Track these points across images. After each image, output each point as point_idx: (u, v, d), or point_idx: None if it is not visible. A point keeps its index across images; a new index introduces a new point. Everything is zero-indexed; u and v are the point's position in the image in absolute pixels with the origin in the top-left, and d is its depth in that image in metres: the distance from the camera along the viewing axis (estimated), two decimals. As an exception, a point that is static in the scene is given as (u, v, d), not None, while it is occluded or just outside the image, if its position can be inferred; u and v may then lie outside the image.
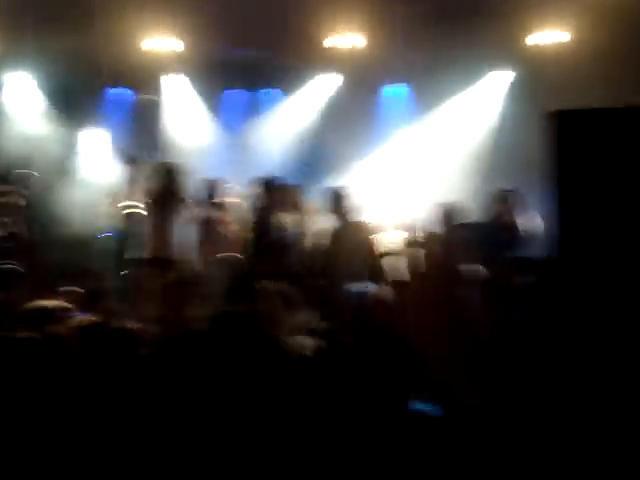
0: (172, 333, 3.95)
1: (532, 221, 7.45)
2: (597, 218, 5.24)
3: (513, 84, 9.66)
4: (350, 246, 7.22)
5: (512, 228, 7.50)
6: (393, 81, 10.18)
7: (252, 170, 8.90)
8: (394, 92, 10.20)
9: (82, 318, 4.63)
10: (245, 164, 9.30)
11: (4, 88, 10.24)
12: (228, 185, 8.20)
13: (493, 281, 7.16)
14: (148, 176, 7.34)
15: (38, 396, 3.76)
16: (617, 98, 5.68)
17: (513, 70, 9.80)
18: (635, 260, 5.10)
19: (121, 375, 3.71)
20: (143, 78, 10.24)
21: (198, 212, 7.48)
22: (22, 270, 7.70)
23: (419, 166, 9.56)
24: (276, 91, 10.43)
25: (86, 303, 7.26)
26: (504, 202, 7.54)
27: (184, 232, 7.15)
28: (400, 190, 9.45)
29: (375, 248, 7.46)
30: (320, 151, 10.04)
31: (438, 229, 7.50)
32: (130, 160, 7.80)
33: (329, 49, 9.73)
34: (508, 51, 9.66)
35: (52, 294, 5.52)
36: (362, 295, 6.28)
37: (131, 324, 4.07)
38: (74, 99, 10.06)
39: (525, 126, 8.83)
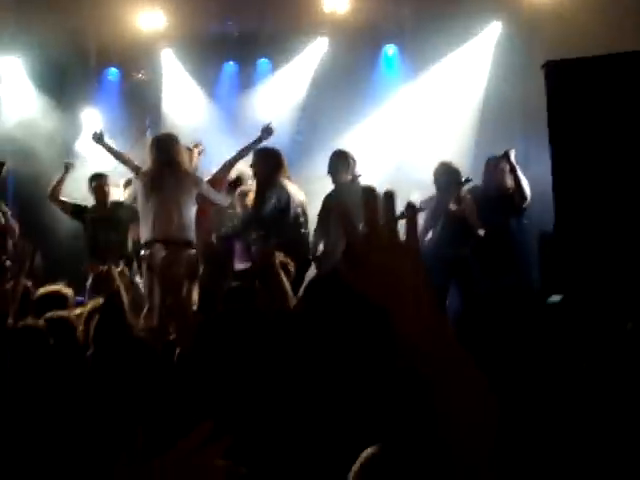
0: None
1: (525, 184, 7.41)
2: (594, 169, 5.24)
3: (506, 37, 9.53)
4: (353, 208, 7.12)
5: (510, 195, 7.47)
6: (385, 42, 10.08)
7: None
8: (387, 53, 10.10)
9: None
10: (240, 137, 9.22)
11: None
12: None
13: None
14: (145, 149, 7.14)
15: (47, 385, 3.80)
16: (612, 46, 5.64)
17: (506, 23, 9.66)
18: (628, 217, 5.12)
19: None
20: (134, 56, 10.20)
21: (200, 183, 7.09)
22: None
23: (416, 126, 9.49)
24: (268, 61, 10.34)
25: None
26: (497, 168, 7.50)
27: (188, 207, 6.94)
28: (399, 151, 9.41)
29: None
30: (315, 119, 9.99)
31: (438, 189, 7.47)
32: (96, 137, 7.63)
33: (319, 14, 9.66)
34: (500, 3, 9.56)
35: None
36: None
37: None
38: (65, 81, 10.03)
39: (521, 78, 8.79)
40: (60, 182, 8.11)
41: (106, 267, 4.59)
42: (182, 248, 6.66)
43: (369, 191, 5.88)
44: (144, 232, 6.83)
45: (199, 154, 7.98)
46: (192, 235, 6.85)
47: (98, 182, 8.01)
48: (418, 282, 1.44)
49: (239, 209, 7.62)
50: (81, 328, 4.19)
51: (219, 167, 7.88)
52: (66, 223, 8.64)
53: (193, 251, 6.75)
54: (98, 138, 7.61)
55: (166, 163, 6.86)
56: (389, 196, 1.46)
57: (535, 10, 9.22)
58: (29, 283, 5.53)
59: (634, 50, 5.28)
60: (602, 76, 5.19)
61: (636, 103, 5.11)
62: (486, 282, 7.02)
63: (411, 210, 1.53)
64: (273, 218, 6.93)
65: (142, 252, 6.91)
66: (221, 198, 7.43)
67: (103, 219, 7.92)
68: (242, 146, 7.73)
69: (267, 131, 7.55)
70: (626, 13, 8.18)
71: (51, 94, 10.14)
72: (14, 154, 9.41)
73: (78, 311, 4.54)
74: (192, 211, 6.94)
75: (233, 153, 7.81)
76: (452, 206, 7.20)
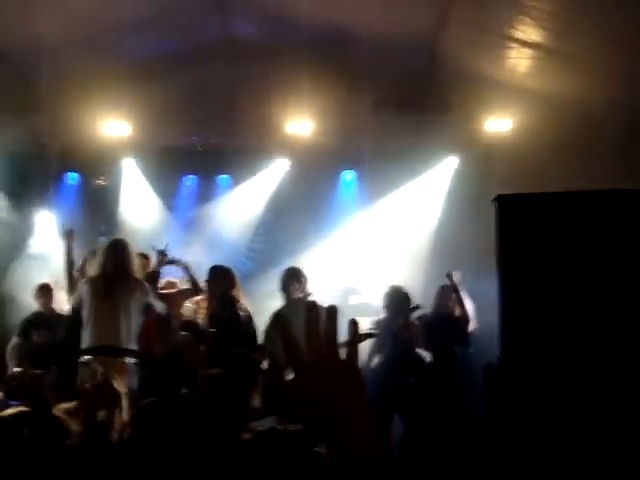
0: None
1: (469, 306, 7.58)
2: (541, 301, 5.33)
3: (461, 171, 9.86)
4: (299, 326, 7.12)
5: (456, 320, 7.60)
6: (344, 167, 10.33)
7: (204, 255, 8.91)
8: (345, 179, 10.33)
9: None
10: (197, 250, 9.27)
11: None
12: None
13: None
14: (97, 253, 7.02)
15: None
16: (562, 184, 5.84)
17: (463, 157, 9.99)
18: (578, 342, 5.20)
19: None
20: (95, 162, 10.27)
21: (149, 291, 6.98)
22: None
23: (370, 251, 9.63)
24: (228, 177, 10.50)
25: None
26: (449, 295, 7.67)
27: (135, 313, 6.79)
28: (351, 274, 9.50)
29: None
30: (272, 238, 10.09)
31: (387, 313, 7.53)
32: (67, 233, 7.63)
33: (281, 135, 9.90)
34: (456, 139, 9.90)
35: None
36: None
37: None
38: (27, 182, 10.03)
39: (475, 211, 9.02)
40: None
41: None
42: (125, 357, 6.52)
43: (311, 306, 5.88)
44: (87, 337, 6.62)
45: (163, 262, 7.76)
46: (135, 344, 6.71)
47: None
48: (358, 401, 1.40)
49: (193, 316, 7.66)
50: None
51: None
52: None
53: (133, 360, 6.59)
54: (69, 233, 7.58)
55: (117, 268, 6.76)
56: (332, 312, 1.45)
57: (491, 146, 9.57)
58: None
59: (584, 189, 5.46)
60: (552, 212, 5.35)
61: (584, 240, 5.25)
62: (429, 410, 6.99)
63: (353, 328, 1.53)
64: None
65: (83, 358, 6.62)
66: (159, 306, 7.27)
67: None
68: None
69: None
70: (575, 153, 8.58)
71: (8, 194, 10.13)
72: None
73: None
74: (139, 319, 6.81)
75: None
76: (399, 331, 7.25)
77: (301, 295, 7.40)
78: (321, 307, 1.51)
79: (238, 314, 7.27)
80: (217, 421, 3.88)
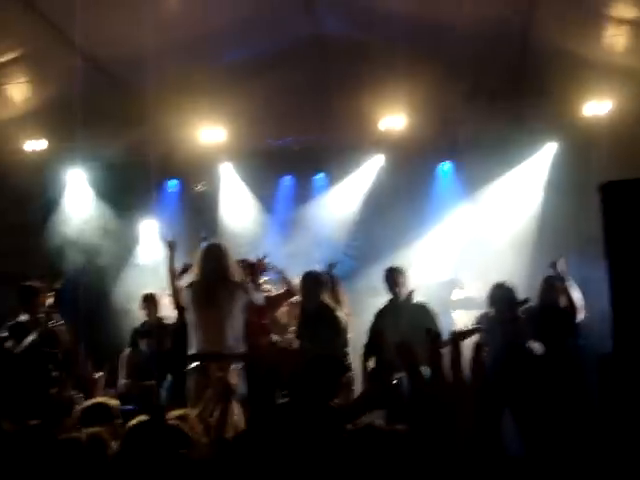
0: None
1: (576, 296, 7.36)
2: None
3: (561, 157, 9.59)
4: (406, 325, 7.10)
5: (564, 311, 7.39)
6: (441, 160, 10.20)
7: (303, 257, 8.98)
8: (442, 171, 10.21)
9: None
10: (295, 251, 9.34)
11: (63, 185, 10.54)
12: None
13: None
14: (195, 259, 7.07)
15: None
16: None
17: (562, 143, 9.73)
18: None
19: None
20: (194, 169, 10.45)
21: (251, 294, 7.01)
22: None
23: (471, 244, 9.47)
24: (325, 176, 10.52)
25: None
26: (555, 286, 7.45)
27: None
28: (453, 268, 9.37)
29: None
30: (371, 234, 10.06)
31: (493, 308, 7.41)
32: (169, 244, 7.80)
33: (375, 131, 9.87)
34: (554, 125, 9.64)
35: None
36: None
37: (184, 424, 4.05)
38: (130, 192, 10.28)
39: (577, 198, 8.78)
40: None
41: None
42: (232, 361, 6.58)
43: (429, 331, 5.86)
44: (193, 344, 6.71)
45: (263, 270, 7.73)
46: (241, 347, 6.77)
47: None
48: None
49: (288, 319, 7.79)
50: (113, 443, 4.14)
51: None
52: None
53: (240, 364, 6.67)
54: (170, 244, 7.71)
55: (214, 273, 6.82)
56: (456, 337, 1.47)
57: (591, 130, 9.27)
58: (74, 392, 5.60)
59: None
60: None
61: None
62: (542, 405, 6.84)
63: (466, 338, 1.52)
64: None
65: (191, 365, 6.71)
66: (258, 298, 7.30)
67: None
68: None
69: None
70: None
71: (112, 203, 10.42)
72: (75, 261, 9.68)
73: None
74: (241, 321, 6.86)
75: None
76: (507, 325, 7.11)
77: (405, 292, 7.40)
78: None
79: (326, 325, 7.25)
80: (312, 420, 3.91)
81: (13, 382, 7.48)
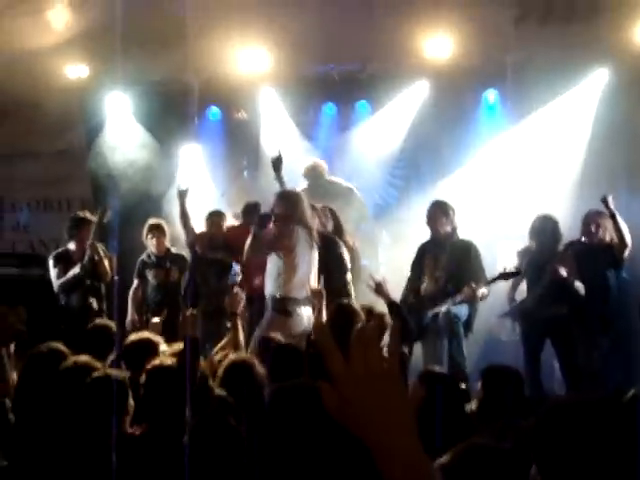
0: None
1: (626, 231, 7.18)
2: None
3: (612, 85, 9.26)
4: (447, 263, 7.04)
5: (609, 246, 7.25)
6: (486, 87, 9.95)
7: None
8: (488, 98, 9.96)
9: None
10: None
11: (105, 111, 10.53)
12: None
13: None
14: (273, 202, 6.84)
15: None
16: None
17: (613, 70, 9.39)
18: None
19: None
20: (235, 95, 10.34)
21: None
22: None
23: (515, 175, 9.27)
24: (367, 103, 10.32)
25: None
26: (601, 219, 7.27)
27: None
28: (497, 200, 9.22)
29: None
30: (413, 163, 9.94)
31: (536, 243, 7.31)
32: (181, 193, 7.91)
33: (420, 57, 9.61)
34: (606, 50, 9.28)
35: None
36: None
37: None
38: (171, 118, 10.23)
39: (627, 129, 8.54)
40: (185, 213, 8.11)
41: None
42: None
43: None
44: (274, 286, 6.66)
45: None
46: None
47: (215, 219, 8.17)
48: (401, 413, 1.38)
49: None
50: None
51: None
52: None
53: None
54: (182, 194, 7.84)
55: (294, 220, 6.68)
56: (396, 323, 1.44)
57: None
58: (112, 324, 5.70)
59: None
60: None
61: None
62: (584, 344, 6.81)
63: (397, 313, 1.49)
64: None
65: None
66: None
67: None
68: None
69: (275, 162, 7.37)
70: None
71: (154, 129, 10.39)
72: (118, 187, 9.73)
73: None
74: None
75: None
76: (555, 265, 6.95)
77: (448, 229, 7.26)
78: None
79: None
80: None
81: (58, 314, 7.66)
